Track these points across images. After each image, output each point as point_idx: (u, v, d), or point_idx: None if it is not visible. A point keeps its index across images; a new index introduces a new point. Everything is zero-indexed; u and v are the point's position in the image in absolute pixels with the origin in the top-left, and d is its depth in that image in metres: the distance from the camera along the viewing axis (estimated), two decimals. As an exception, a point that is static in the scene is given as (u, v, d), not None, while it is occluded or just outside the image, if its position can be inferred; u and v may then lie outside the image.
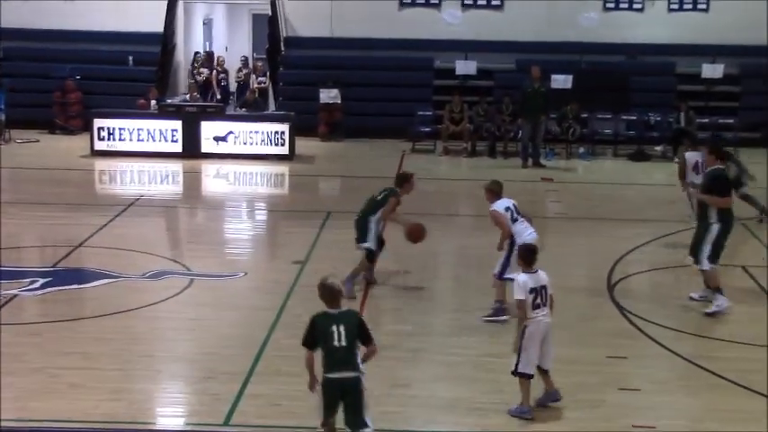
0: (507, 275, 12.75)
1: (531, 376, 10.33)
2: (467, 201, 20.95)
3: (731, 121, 25.56)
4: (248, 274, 14.94)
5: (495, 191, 13.31)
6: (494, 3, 27.41)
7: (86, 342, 12.08)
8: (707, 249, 13.48)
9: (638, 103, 25.99)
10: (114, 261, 15.36)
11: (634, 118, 25.67)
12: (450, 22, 27.29)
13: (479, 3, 27.47)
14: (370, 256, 14.26)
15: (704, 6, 27.00)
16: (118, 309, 13.24)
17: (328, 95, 26.17)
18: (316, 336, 8.87)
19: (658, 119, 25.44)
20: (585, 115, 25.43)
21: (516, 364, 10.28)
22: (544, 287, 10.32)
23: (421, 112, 25.91)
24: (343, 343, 8.79)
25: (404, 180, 14.42)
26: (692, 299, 13.98)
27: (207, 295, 14.05)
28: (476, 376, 11.47)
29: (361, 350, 8.96)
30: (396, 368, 11.54)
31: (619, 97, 25.92)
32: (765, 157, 22.25)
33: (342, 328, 8.80)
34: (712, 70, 26.03)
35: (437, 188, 21.37)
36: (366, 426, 8.90)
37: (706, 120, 25.20)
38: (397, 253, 16.63)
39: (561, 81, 25.26)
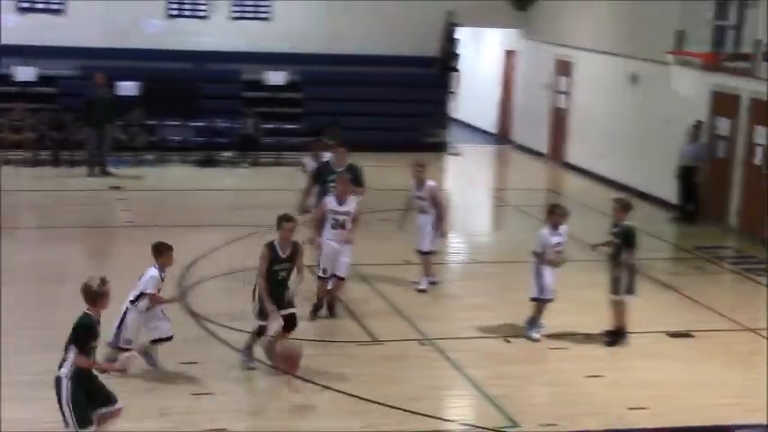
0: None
1: None
2: (30, 213, 20.19)
3: (296, 126, 26.33)
4: None
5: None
6: (54, 7, 26.51)
7: None
8: None
9: (206, 109, 26.18)
10: None
11: (202, 125, 25.83)
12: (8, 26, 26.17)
13: (38, 6, 26.46)
14: None
15: (265, 15, 27.64)
16: None
17: None
18: None
19: (226, 125, 25.74)
20: (154, 122, 25.27)
21: None
22: None
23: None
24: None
25: None
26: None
27: None
28: (37, 395, 11.03)
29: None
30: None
31: (187, 104, 25.98)
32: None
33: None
34: (275, 77, 26.79)
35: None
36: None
37: (272, 126, 25.85)
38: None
39: (128, 88, 25.01)
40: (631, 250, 13.30)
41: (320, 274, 13.88)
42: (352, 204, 13.91)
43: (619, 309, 13.41)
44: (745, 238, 19.38)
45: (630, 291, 13.33)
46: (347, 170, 15.00)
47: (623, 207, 13.58)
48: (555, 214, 13.39)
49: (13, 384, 11.24)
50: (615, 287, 13.32)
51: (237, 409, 11.07)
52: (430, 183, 15.43)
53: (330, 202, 13.83)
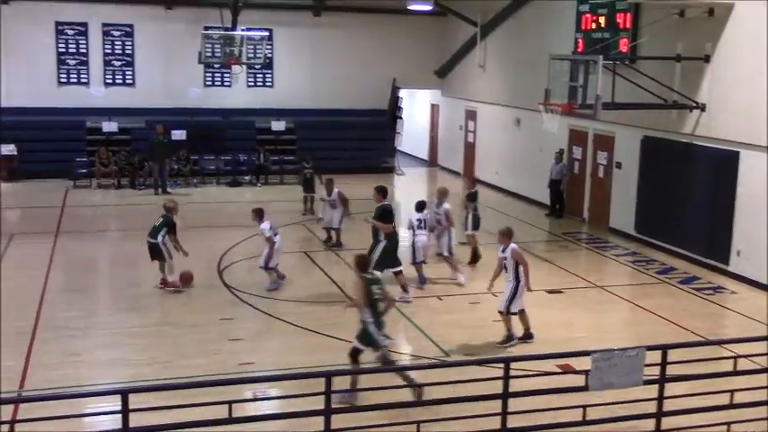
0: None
1: None
2: (117, 220, 19.94)
3: (292, 158, 26.13)
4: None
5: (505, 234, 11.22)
6: (128, 81, 26.17)
7: None
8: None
9: (231, 147, 25.94)
10: None
11: (229, 158, 25.60)
12: (96, 95, 25.82)
13: (117, 81, 26.14)
14: None
15: (270, 84, 27.48)
16: None
17: (7, 149, 23.95)
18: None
19: (245, 158, 25.53)
20: (196, 157, 25.04)
21: None
22: None
23: (78, 159, 24.28)
24: (156, 224, 13.15)
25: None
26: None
27: None
28: (126, 342, 10.97)
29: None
30: (69, 342, 10.82)
31: (218, 144, 25.75)
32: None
33: (160, 221, 13.22)
34: (278, 125, 26.62)
35: (93, 212, 20.21)
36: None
37: (276, 158, 25.67)
38: (70, 258, 15.55)
39: (178, 134, 24.77)
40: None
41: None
42: (508, 251, 11.10)
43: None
44: (594, 227, 19.51)
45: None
46: (378, 209, 13.04)
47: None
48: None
49: (108, 336, 11.10)
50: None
51: (260, 349, 10.97)
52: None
53: (498, 250, 11.30)
